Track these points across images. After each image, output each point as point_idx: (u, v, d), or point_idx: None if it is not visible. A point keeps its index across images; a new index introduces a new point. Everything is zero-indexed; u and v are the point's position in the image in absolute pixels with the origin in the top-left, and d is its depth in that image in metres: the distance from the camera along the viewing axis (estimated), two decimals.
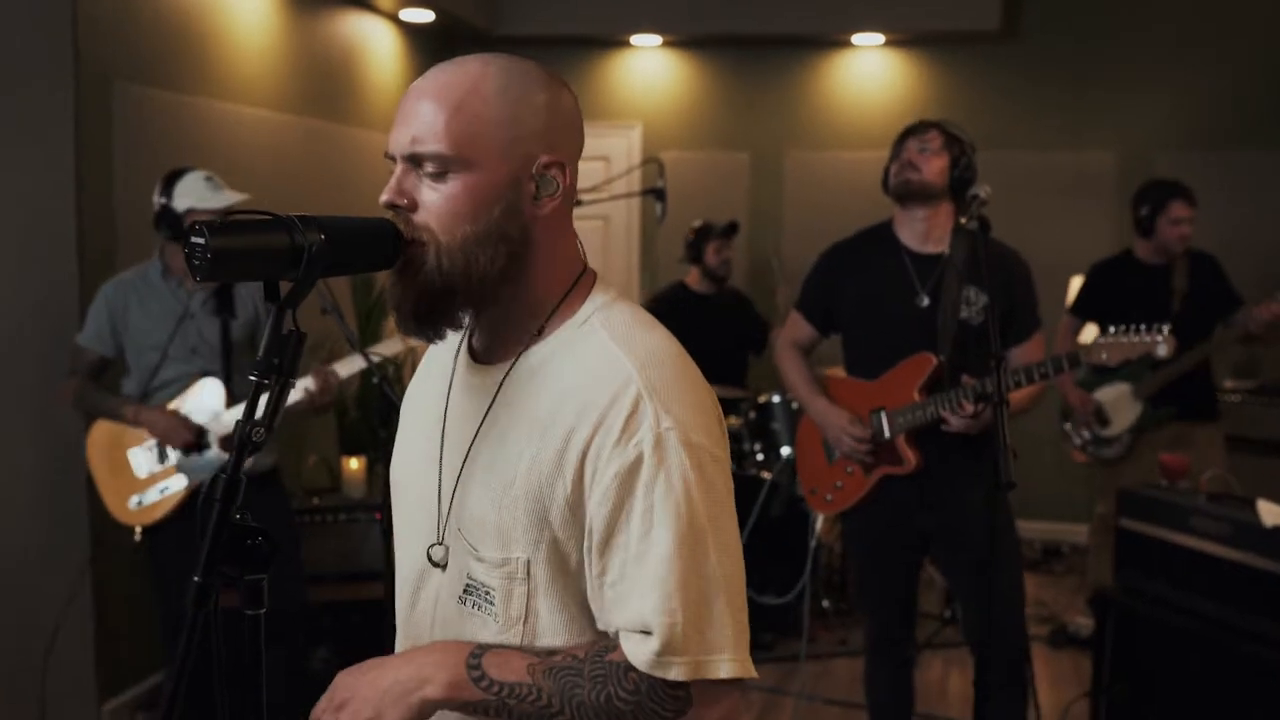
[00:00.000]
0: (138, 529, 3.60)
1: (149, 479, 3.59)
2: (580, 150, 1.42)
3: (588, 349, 1.36)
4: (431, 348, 1.55)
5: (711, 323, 5.47)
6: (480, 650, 1.33)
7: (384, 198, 1.34)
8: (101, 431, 3.65)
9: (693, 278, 5.73)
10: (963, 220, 3.02)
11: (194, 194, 3.56)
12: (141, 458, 3.60)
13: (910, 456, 3.24)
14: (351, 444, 5.25)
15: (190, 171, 3.62)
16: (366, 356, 3.21)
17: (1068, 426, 4.98)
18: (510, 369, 1.39)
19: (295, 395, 3.52)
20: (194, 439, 3.56)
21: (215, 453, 3.58)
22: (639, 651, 1.28)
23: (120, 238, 4.15)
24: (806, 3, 6.62)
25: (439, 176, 1.32)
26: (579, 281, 1.42)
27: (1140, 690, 3.70)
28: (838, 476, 3.40)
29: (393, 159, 1.35)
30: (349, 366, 3.65)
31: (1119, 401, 4.77)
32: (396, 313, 1.37)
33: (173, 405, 3.60)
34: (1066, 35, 6.75)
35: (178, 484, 3.58)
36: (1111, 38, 6.70)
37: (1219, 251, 4.92)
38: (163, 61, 4.47)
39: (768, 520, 5.00)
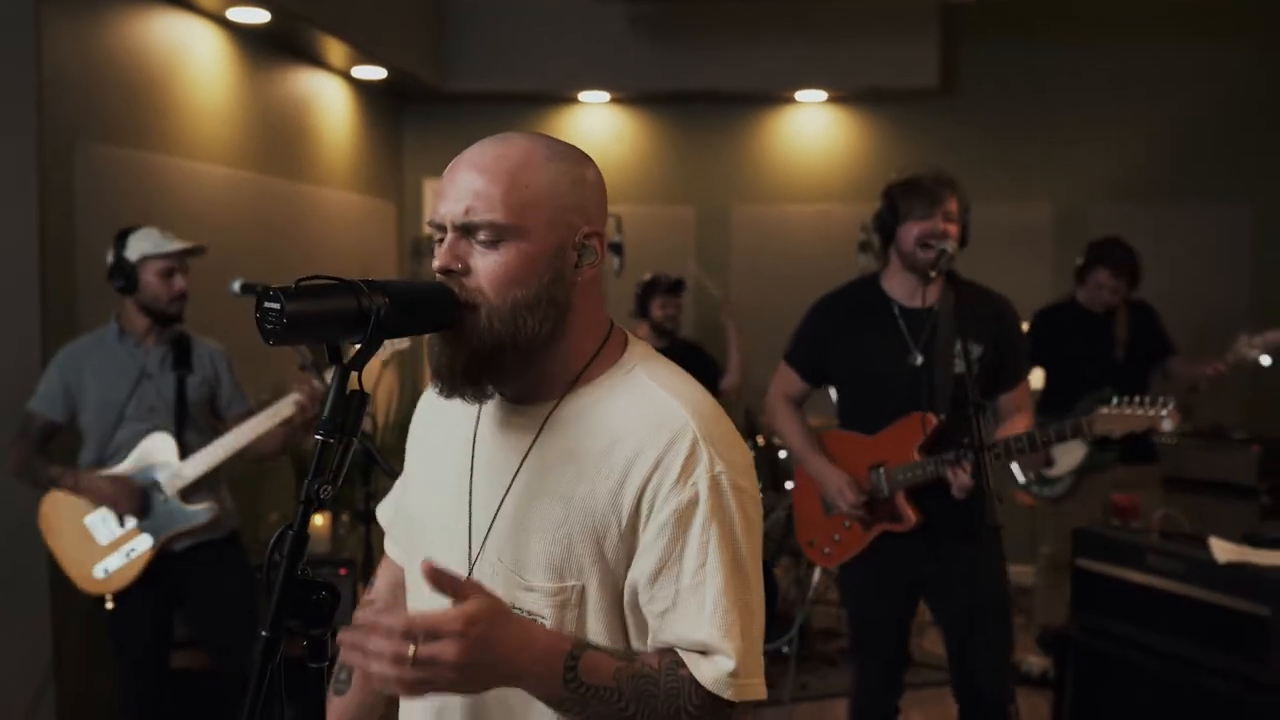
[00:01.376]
0: (108, 597, 3.52)
1: (112, 544, 3.53)
2: (606, 219, 1.52)
3: (637, 395, 1.47)
4: (429, 392, 1.60)
5: None
6: (579, 651, 1.36)
7: (437, 263, 1.42)
8: (53, 503, 3.56)
9: (643, 331, 5.80)
10: (931, 275, 3.08)
11: (148, 241, 3.57)
12: (100, 523, 3.53)
13: (910, 514, 3.25)
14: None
15: (141, 228, 3.64)
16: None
17: (1014, 467, 5.12)
18: (554, 408, 1.47)
19: (287, 410, 3.50)
20: (139, 503, 3.51)
21: (174, 503, 3.54)
22: (708, 671, 1.39)
23: (81, 295, 4.14)
24: (751, 61, 6.79)
25: (492, 244, 1.40)
26: (610, 336, 1.52)
27: None
28: (835, 530, 3.41)
29: (440, 228, 1.43)
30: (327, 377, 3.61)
31: (1065, 444, 4.92)
32: (442, 374, 1.43)
33: (124, 465, 3.55)
34: (1004, 91, 6.98)
35: (143, 544, 3.53)
36: (1047, 93, 6.94)
37: (1155, 300, 5.12)
38: (124, 120, 4.48)
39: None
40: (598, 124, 7.40)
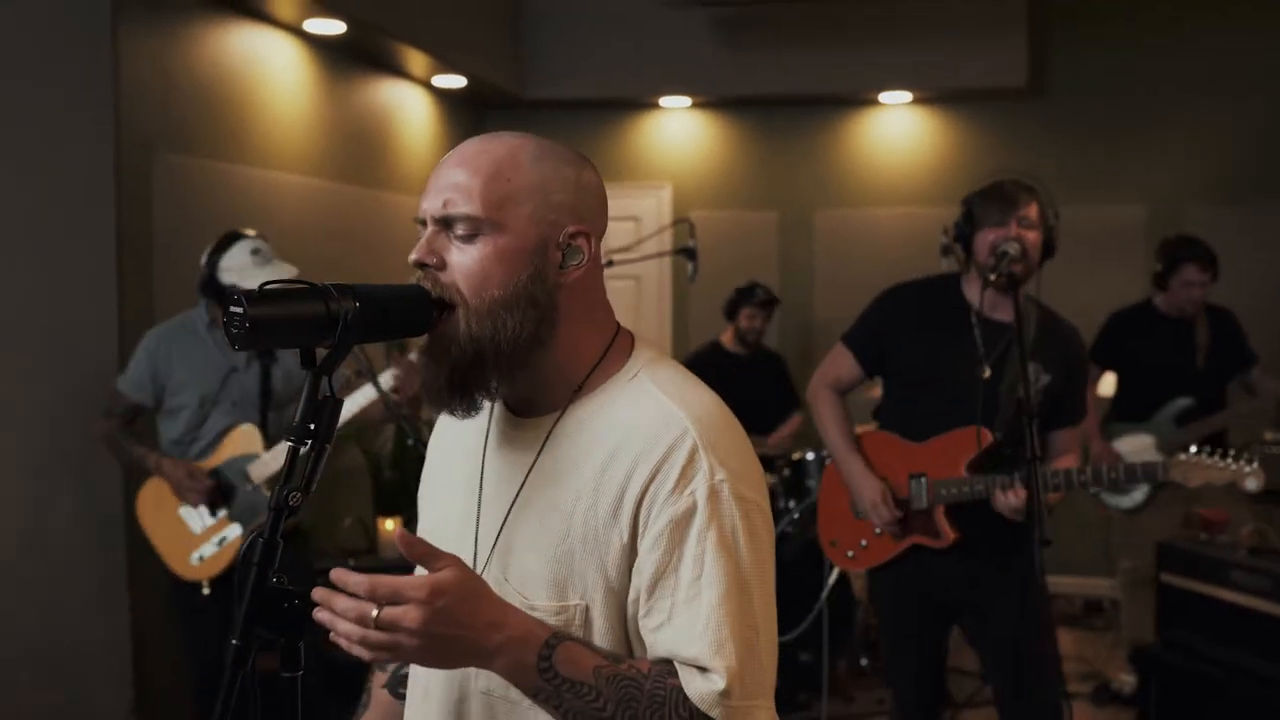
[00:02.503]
0: (205, 583, 3.62)
1: (204, 533, 3.63)
2: (605, 225, 1.47)
3: (639, 402, 1.40)
4: None
5: (744, 382, 5.49)
6: (555, 641, 1.32)
7: (413, 256, 1.38)
8: (150, 492, 3.68)
9: (728, 336, 5.79)
10: (991, 278, 2.93)
11: (238, 269, 3.60)
12: (193, 513, 3.64)
13: (948, 532, 3.08)
14: (387, 504, 5.28)
15: (240, 240, 3.65)
16: (398, 414, 3.23)
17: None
18: (557, 421, 1.42)
19: (385, 383, 3.43)
20: (208, 495, 3.59)
21: (260, 493, 3.62)
22: (698, 687, 1.31)
23: (157, 300, 4.22)
24: (834, 62, 6.69)
25: (469, 239, 1.36)
26: (615, 341, 1.46)
27: None
28: (864, 535, 3.23)
29: (423, 223, 1.40)
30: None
31: (1141, 453, 4.73)
32: (430, 391, 1.40)
33: (211, 458, 3.65)
34: (1094, 90, 6.78)
35: (233, 533, 3.63)
36: (1139, 91, 6.72)
37: (1247, 304, 4.91)
38: (201, 130, 4.56)
39: (792, 572, 4.96)
40: (678, 129, 7.37)
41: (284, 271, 3.67)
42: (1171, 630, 3.74)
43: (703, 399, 1.42)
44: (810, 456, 5.32)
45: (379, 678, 1.72)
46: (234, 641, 1.24)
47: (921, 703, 3.27)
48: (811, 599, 4.82)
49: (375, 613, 1.21)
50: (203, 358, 3.68)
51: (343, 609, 1.22)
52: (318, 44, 5.38)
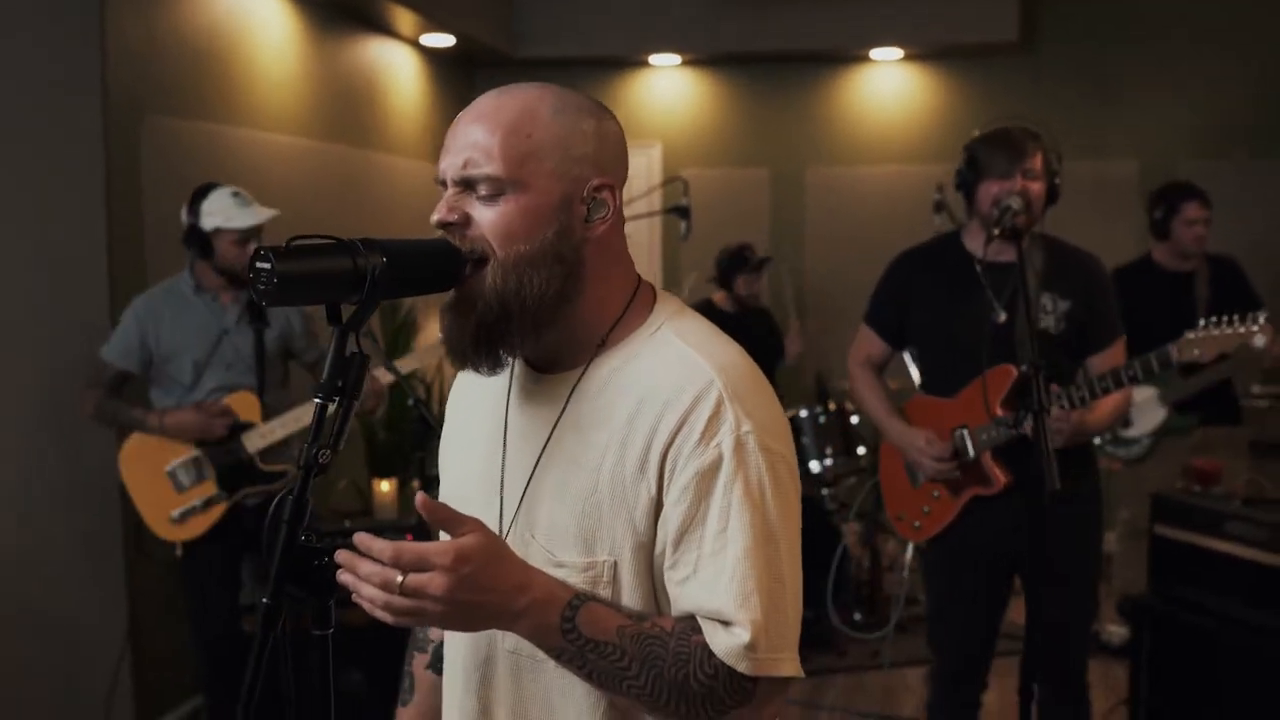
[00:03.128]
0: (178, 545, 3.63)
1: (188, 493, 3.63)
2: (626, 175, 1.46)
3: (664, 355, 1.39)
4: None
5: (739, 340, 5.50)
6: (578, 602, 1.32)
7: (435, 217, 1.36)
8: (134, 449, 3.67)
9: (719, 297, 5.77)
10: (996, 232, 2.90)
11: (221, 212, 3.60)
12: (180, 473, 3.63)
13: (999, 475, 3.06)
14: (382, 466, 5.28)
15: (217, 188, 3.66)
16: (396, 372, 3.24)
17: None
18: (581, 376, 1.41)
19: None
20: (229, 428, 3.60)
21: (252, 465, 3.64)
22: (723, 641, 1.31)
23: (149, 264, 4.20)
24: (824, 19, 6.66)
25: (492, 199, 1.35)
26: (637, 295, 1.45)
27: (1179, 698, 3.69)
28: (924, 501, 3.24)
29: (443, 184, 1.38)
30: (386, 376, 3.66)
31: (1143, 405, 4.76)
32: (452, 344, 1.39)
33: None
34: (1085, 44, 6.77)
35: (218, 498, 3.63)
36: (1131, 45, 6.72)
37: (1245, 258, 4.92)
38: (189, 91, 4.52)
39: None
40: (669, 87, 7.33)
41: (266, 213, 3.68)
42: (1164, 581, 3.76)
43: (728, 351, 1.42)
44: (804, 414, 5.34)
45: (419, 659, 1.72)
46: (264, 600, 1.25)
47: (968, 670, 3.25)
48: (822, 560, 4.87)
49: (400, 579, 1.21)
50: (193, 321, 3.66)
51: (366, 574, 1.22)
52: (306, 2, 5.32)
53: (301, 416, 3.64)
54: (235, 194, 3.65)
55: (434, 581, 1.22)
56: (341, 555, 1.23)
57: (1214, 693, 3.57)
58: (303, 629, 1.29)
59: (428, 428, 3.40)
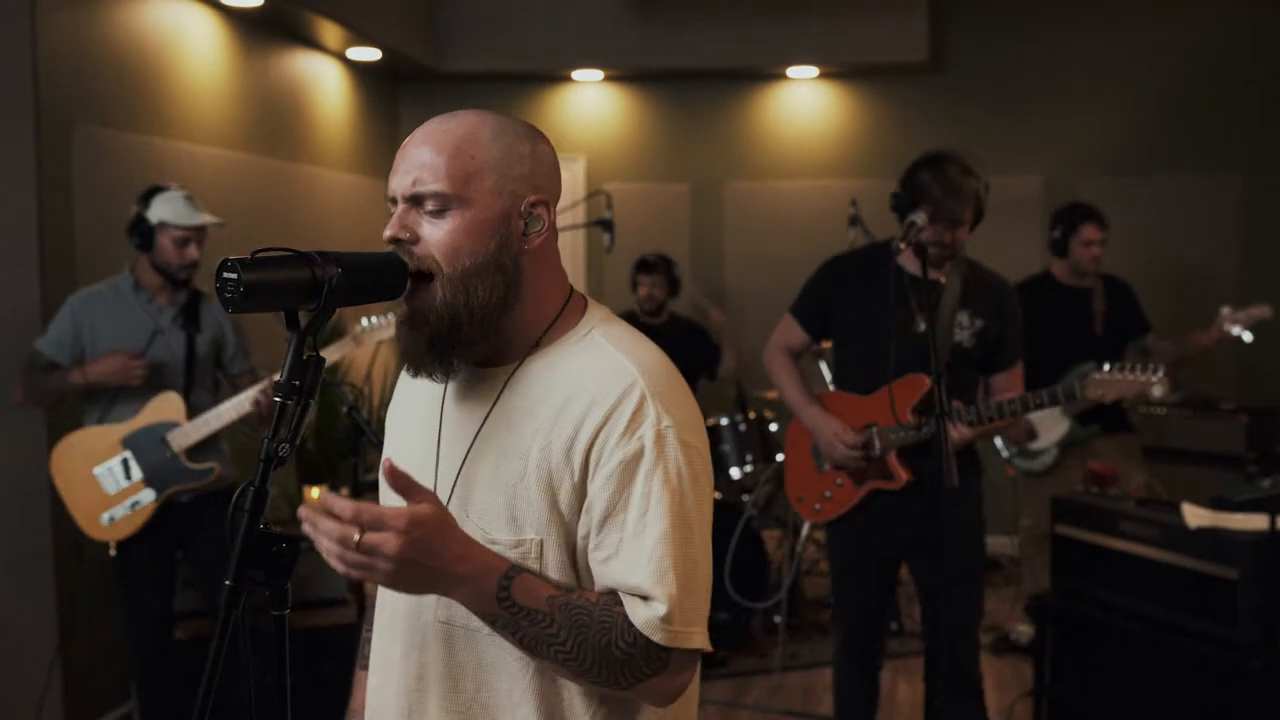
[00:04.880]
0: (112, 545, 3.68)
1: (118, 494, 3.67)
2: (559, 193, 1.60)
3: (592, 355, 1.54)
4: (403, 374, 1.69)
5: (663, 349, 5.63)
6: (514, 573, 1.43)
7: (388, 233, 1.50)
8: (64, 450, 3.71)
9: (636, 307, 5.90)
10: (902, 246, 3.13)
11: (170, 209, 3.68)
12: (108, 474, 3.68)
13: (901, 473, 3.33)
14: (311, 474, 5.33)
15: (171, 189, 3.74)
16: (328, 381, 3.32)
17: (997, 440, 5.20)
18: (515, 370, 1.56)
19: (245, 408, 3.62)
20: (147, 370, 3.65)
21: (179, 461, 3.69)
22: (642, 614, 1.45)
23: (79, 269, 4.23)
24: (742, 37, 6.84)
25: (439, 214, 1.49)
26: (570, 302, 1.60)
27: (1080, 688, 3.88)
28: (827, 486, 3.49)
29: (393, 202, 1.52)
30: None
31: (1047, 417, 4.98)
32: (409, 355, 1.53)
33: (134, 420, 3.69)
34: (993, 63, 7.03)
35: (147, 497, 3.68)
36: (1038, 64, 6.99)
37: (1140, 272, 5.18)
38: (121, 103, 4.56)
39: (718, 539, 5.12)
40: (591, 102, 7.46)
41: (211, 219, 3.77)
42: (1065, 579, 3.94)
43: (650, 353, 1.57)
44: (724, 421, 5.49)
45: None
46: (227, 582, 1.35)
47: (867, 639, 3.53)
48: (748, 564, 5.01)
49: (357, 536, 1.32)
50: (127, 319, 3.73)
51: (325, 529, 1.32)
52: (234, 16, 5.38)
53: (224, 414, 3.69)
54: (188, 198, 3.75)
55: (388, 542, 1.33)
56: (304, 510, 1.33)
57: (1112, 682, 3.76)
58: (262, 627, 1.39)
59: (360, 434, 3.50)
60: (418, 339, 1.51)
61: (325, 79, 6.42)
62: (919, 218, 3.13)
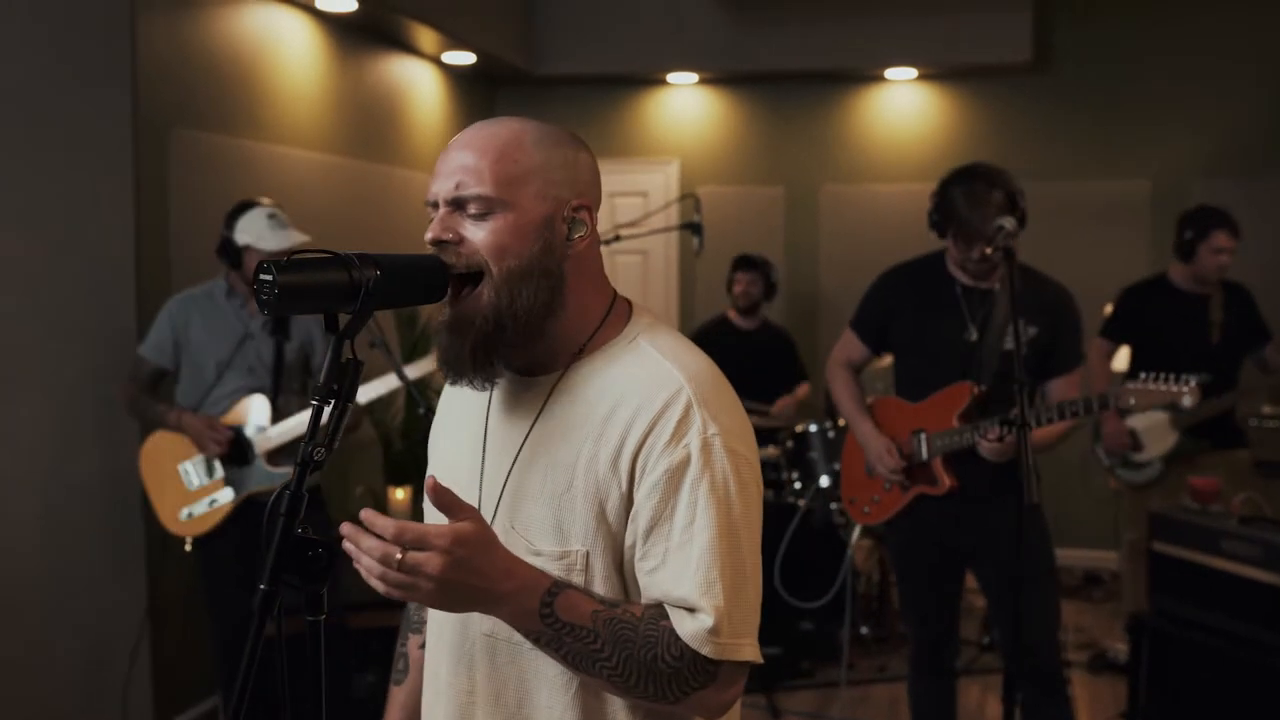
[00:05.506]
0: (188, 540, 3.76)
1: (198, 491, 3.75)
2: (600, 200, 1.58)
3: (638, 363, 1.51)
4: (446, 386, 1.68)
5: (749, 355, 5.58)
6: (557, 589, 1.41)
7: (430, 235, 1.48)
8: (153, 445, 3.80)
9: (734, 312, 5.87)
10: (988, 251, 3.12)
11: (254, 231, 3.74)
12: (191, 470, 3.76)
13: (945, 479, 3.39)
14: (397, 474, 5.38)
15: (256, 206, 3.79)
16: (408, 383, 3.34)
17: (1099, 450, 5.03)
18: (560, 379, 1.53)
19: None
20: (227, 446, 3.71)
21: (260, 466, 3.75)
22: (688, 626, 1.41)
23: (174, 273, 4.33)
24: (840, 38, 6.75)
25: (482, 217, 1.47)
26: (614, 308, 1.57)
27: (1176, 711, 3.74)
28: (875, 491, 3.57)
29: (434, 205, 1.50)
30: (371, 390, 3.74)
31: (1154, 429, 4.80)
32: (449, 361, 1.50)
33: (225, 419, 3.76)
34: (1099, 64, 6.82)
35: (225, 496, 3.74)
36: (1145, 65, 6.76)
37: (1254, 279, 4.96)
38: (217, 106, 4.65)
39: (803, 547, 5.06)
40: (686, 105, 7.43)
41: (298, 238, 3.79)
42: (1163, 598, 3.82)
43: (697, 360, 1.53)
44: (813, 429, 5.41)
45: (414, 640, 1.83)
46: (262, 587, 1.34)
47: (935, 641, 3.54)
48: (829, 572, 4.94)
49: (399, 555, 1.30)
50: (220, 324, 3.81)
51: (368, 547, 1.31)
52: (330, 21, 5.46)
53: (306, 421, 3.73)
54: (272, 215, 3.78)
55: (431, 561, 1.31)
56: (346, 528, 1.32)
57: (1210, 706, 3.63)
58: (299, 630, 1.37)
59: None
60: (460, 344, 1.48)
61: (420, 83, 6.49)
62: (1007, 222, 3.08)
